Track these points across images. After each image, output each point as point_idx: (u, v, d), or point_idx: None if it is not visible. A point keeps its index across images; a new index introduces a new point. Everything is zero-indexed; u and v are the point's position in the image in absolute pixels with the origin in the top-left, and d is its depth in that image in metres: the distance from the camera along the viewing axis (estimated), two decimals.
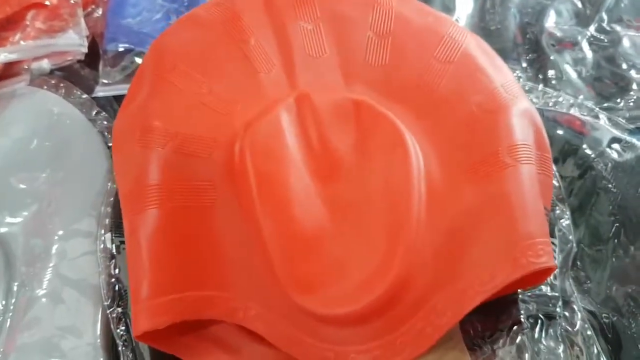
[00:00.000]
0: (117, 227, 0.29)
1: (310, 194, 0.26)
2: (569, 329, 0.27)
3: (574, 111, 0.35)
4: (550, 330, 0.27)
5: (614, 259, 0.30)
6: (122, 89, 0.36)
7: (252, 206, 0.25)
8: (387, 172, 0.25)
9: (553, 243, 0.29)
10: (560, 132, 0.34)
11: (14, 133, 0.31)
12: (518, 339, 0.26)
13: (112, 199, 0.30)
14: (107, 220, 0.30)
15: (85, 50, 0.35)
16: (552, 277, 0.28)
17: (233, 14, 0.29)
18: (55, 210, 0.30)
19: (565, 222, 0.30)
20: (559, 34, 0.41)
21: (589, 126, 0.34)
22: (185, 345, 0.26)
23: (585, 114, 0.35)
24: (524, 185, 0.25)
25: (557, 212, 0.30)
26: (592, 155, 0.33)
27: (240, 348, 0.26)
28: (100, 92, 0.35)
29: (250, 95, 0.27)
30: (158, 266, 0.24)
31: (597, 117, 0.35)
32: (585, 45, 0.41)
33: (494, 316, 0.27)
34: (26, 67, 0.34)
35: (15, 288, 0.28)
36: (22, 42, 0.33)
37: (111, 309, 0.28)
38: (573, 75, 0.40)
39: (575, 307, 0.28)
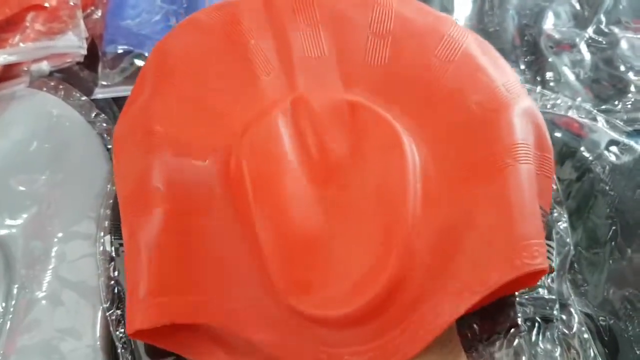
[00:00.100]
0: (116, 230, 0.30)
1: (306, 196, 0.26)
2: (566, 332, 0.27)
3: (572, 113, 0.35)
4: (548, 333, 0.27)
5: (611, 262, 0.30)
6: (121, 91, 0.36)
7: (247, 209, 0.25)
8: (383, 173, 0.26)
9: (550, 246, 0.29)
10: (558, 134, 0.34)
11: (13, 135, 0.31)
12: (515, 342, 0.26)
13: (111, 201, 0.30)
14: (106, 223, 0.30)
15: (84, 52, 0.35)
16: (549, 280, 0.28)
17: (233, 17, 0.29)
18: (54, 212, 0.30)
19: (563, 224, 0.30)
20: (557, 35, 0.41)
21: (587, 128, 0.34)
22: (181, 342, 0.26)
23: (583, 116, 0.35)
24: (521, 185, 0.24)
25: (555, 214, 0.30)
26: (590, 158, 0.33)
27: (237, 346, 0.26)
28: (99, 94, 0.35)
29: (249, 98, 0.27)
30: (155, 268, 0.24)
31: (595, 119, 0.35)
32: (583, 47, 0.41)
33: (491, 319, 0.27)
34: (25, 69, 0.34)
35: (15, 290, 0.28)
36: (21, 44, 0.33)
37: (110, 312, 0.28)
38: (571, 77, 0.40)
39: (572, 310, 0.28)
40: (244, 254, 0.25)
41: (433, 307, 0.24)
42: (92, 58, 0.36)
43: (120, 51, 0.36)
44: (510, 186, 0.24)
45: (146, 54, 0.36)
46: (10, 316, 0.27)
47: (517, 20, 0.42)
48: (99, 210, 0.30)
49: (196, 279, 0.25)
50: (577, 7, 0.43)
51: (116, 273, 0.29)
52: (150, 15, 0.38)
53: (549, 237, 0.29)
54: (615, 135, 0.34)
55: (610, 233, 0.31)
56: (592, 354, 0.27)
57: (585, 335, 0.28)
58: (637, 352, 0.28)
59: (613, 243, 0.31)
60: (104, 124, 0.34)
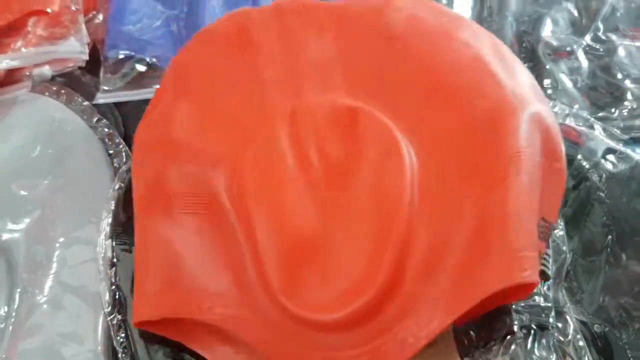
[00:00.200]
0: (117, 235, 0.30)
1: (305, 201, 0.26)
2: (562, 339, 0.28)
3: (569, 121, 0.35)
4: (543, 341, 0.27)
5: (607, 270, 0.31)
6: (122, 96, 0.36)
7: (248, 212, 0.26)
8: (381, 179, 0.26)
9: (547, 253, 0.29)
10: None
11: (15, 140, 0.32)
12: (511, 349, 0.26)
13: (112, 206, 0.31)
14: (107, 228, 0.30)
15: (86, 57, 0.35)
16: (545, 287, 0.28)
17: (243, 26, 0.30)
18: (56, 217, 0.30)
19: (559, 232, 0.31)
20: (555, 43, 0.41)
21: (584, 137, 0.34)
22: (182, 331, 0.26)
23: (580, 124, 0.35)
24: (520, 197, 0.24)
25: None
26: (587, 166, 0.33)
27: (235, 341, 0.26)
28: (101, 99, 0.35)
29: (256, 105, 0.28)
30: (162, 266, 0.26)
31: (592, 127, 0.35)
32: (580, 55, 0.41)
33: (487, 326, 0.27)
34: (28, 73, 0.34)
35: (17, 295, 0.28)
36: (23, 49, 0.33)
37: (111, 316, 0.28)
38: (568, 84, 0.40)
39: (568, 317, 0.28)
40: (243, 255, 0.26)
41: (424, 314, 0.24)
42: (93, 63, 0.36)
43: (121, 56, 0.36)
44: (509, 197, 0.24)
45: (147, 59, 0.36)
46: (12, 320, 0.28)
47: (516, 27, 0.42)
48: (100, 215, 0.30)
49: (199, 278, 0.26)
50: (575, 14, 0.43)
51: (117, 278, 0.29)
52: (151, 21, 0.39)
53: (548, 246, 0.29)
54: (612, 144, 0.34)
55: (606, 241, 0.31)
56: None
57: (581, 343, 0.28)
58: (632, 359, 0.28)
59: (609, 251, 0.31)
60: (106, 129, 0.34)
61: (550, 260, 0.29)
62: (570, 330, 0.28)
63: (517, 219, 0.24)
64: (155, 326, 0.26)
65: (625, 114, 0.38)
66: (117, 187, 0.31)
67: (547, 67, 0.40)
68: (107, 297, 0.28)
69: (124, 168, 0.32)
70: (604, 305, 0.30)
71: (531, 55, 0.41)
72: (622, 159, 0.33)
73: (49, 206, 0.30)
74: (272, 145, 0.27)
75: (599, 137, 0.34)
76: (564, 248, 0.30)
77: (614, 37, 0.41)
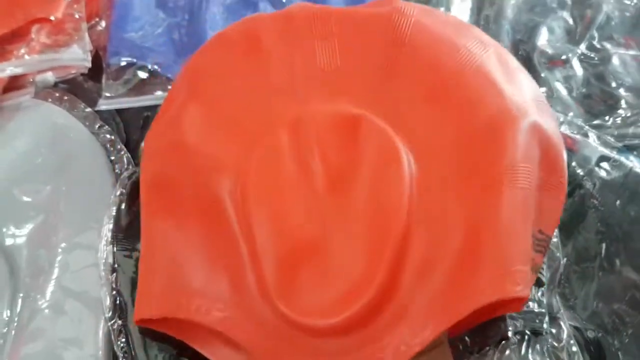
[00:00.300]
0: (118, 241, 0.30)
1: (305, 207, 0.27)
2: (555, 344, 0.28)
3: (564, 129, 0.36)
4: (537, 346, 0.27)
5: (600, 276, 0.31)
6: (124, 103, 0.36)
7: (248, 219, 0.26)
8: (380, 187, 0.26)
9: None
10: None
11: (18, 146, 0.32)
12: (506, 355, 0.27)
13: (114, 212, 0.31)
14: (108, 234, 0.30)
15: (88, 64, 0.35)
16: (539, 293, 0.29)
17: (254, 32, 0.30)
18: (58, 222, 0.31)
19: (554, 239, 0.31)
20: (550, 51, 0.41)
21: (578, 144, 0.35)
22: (182, 329, 0.27)
23: (575, 131, 0.35)
24: (515, 210, 0.24)
25: None
26: (581, 174, 0.33)
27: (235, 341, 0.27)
28: (103, 105, 0.36)
29: (262, 112, 0.29)
30: (165, 268, 0.27)
31: (586, 135, 0.35)
32: (575, 63, 0.41)
33: (482, 332, 0.27)
34: (31, 80, 0.35)
35: (19, 299, 0.29)
36: (26, 57, 0.34)
37: (112, 321, 0.28)
38: (563, 92, 0.40)
39: (561, 323, 0.29)
40: (243, 259, 0.26)
41: (417, 322, 0.24)
42: (96, 69, 0.37)
43: (123, 63, 0.37)
44: (504, 210, 0.24)
45: (149, 66, 0.37)
46: (15, 324, 0.28)
47: (512, 35, 0.43)
48: (101, 221, 0.31)
49: (198, 280, 0.26)
50: (571, 22, 0.43)
51: (118, 284, 0.29)
52: (153, 28, 0.39)
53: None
54: (606, 151, 0.34)
55: (600, 248, 0.32)
56: None
57: (574, 348, 0.28)
58: None
59: (603, 257, 0.31)
60: (108, 136, 0.34)
61: (545, 267, 0.30)
62: (564, 336, 0.28)
63: (511, 232, 0.24)
64: (158, 324, 0.26)
65: (619, 121, 0.38)
66: (118, 193, 0.31)
67: (543, 75, 0.40)
68: (107, 302, 0.29)
69: (125, 174, 0.32)
70: (598, 311, 0.30)
71: (527, 63, 0.41)
72: (615, 166, 0.33)
73: (51, 212, 0.31)
74: (275, 151, 0.27)
75: (592, 144, 0.35)
76: (558, 254, 0.31)
77: (608, 45, 0.42)
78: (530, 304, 0.28)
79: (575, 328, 0.30)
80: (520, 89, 0.28)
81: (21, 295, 0.29)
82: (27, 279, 0.29)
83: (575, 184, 0.33)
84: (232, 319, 0.26)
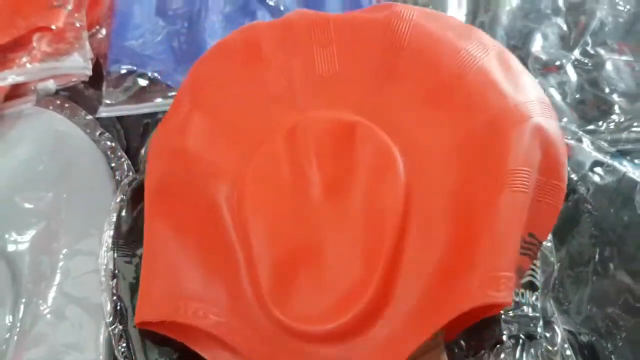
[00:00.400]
0: (119, 247, 0.31)
1: (300, 214, 0.27)
2: (550, 348, 0.28)
3: None
4: (532, 350, 0.28)
5: (594, 280, 0.31)
6: (125, 110, 0.37)
7: (244, 225, 0.26)
8: (376, 193, 0.26)
9: (535, 264, 0.30)
10: None
11: (20, 153, 0.33)
12: (501, 358, 0.27)
13: (114, 219, 0.31)
14: (109, 240, 0.31)
15: (89, 73, 0.36)
16: (533, 297, 0.29)
17: (253, 40, 0.30)
18: (60, 229, 0.31)
19: (548, 244, 0.31)
20: (544, 57, 0.42)
21: (572, 149, 0.35)
22: (181, 332, 0.27)
23: (569, 137, 0.35)
24: (511, 214, 0.24)
25: None
26: (575, 179, 0.34)
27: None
28: (103, 112, 0.36)
29: (262, 119, 0.29)
30: (165, 273, 0.27)
31: (580, 140, 0.36)
32: (569, 69, 0.41)
33: (477, 336, 0.28)
34: (32, 87, 0.35)
35: (22, 305, 0.29)
36: (28, 65, 0.34)
37: (113, 327, 0.29)
38: (557, 98, 0.40)
39: (555, 327, 0.29)
40: (239, 265, 0.27)
41: (409, 327, 0.24)
42: (96, 77, 0.37)
43: (123, 71, 0.37)
44: (502, 215, 0.24)
45: (149, 74, 0.37)
46: (17, 330, 0.28)
47: (506, 41, 0.43)
48: (102, 227, 0.31)
49: (196, 285, 0.27)
50: (565, 28, 0.43)
51: (118, 289, 0.29)
52: (152, 36, 0.40)
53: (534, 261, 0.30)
54: (599, 156, 0.34)
55: (594, 252, 0.32)
56: None
57: (568, 352, 0.29)
58: None
59: (596, 262, 0.32)
60: (108, 143, 0.35)
61: (539, 271, 0.30)
62: (558, 340, 0.28)
63: (504, 237, 0.24)
64: (158, 327, 0.27)
65: (612, 127, 0.38)
66: (118, 199, 0.32)
67: (537, 81, 0.41)
68: (108, 307, 0.29)
69: (125, 181, 0.33)
70: (591, 315, 0.30)
71: None
72: (609, 171, 0.34)
73: (52, 218, 0.31)
74: (272, 158, 0.28)
75: (586, 150, 0.35)
76: (552, 259, 0.31)
77: (602, 51, 0.42)
78: (525, 308, 0.28)
79: (569, 332, 0.30)
80: (523, 90, 0.27)
81: (23, 300, 0.29)
82: (29, 284, 0.29)
83: (569, 188, 0.33)
84: (228, 323, 0.26)
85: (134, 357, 0.28)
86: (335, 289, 0.25)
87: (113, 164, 0.34)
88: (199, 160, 0.28)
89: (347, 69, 0.29)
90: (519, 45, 0.43)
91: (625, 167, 0.34)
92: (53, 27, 0.35)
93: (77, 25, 0.36)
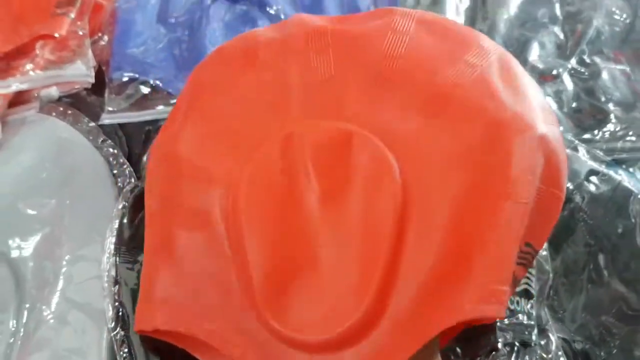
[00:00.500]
0: (121, 253, 0.31)
1: (296, 223, 0.27)
2: (544, 356, 0.29)
3: None
4: (526, 357, 0.28)
5: (589, 288, 0.32)
6: (127, 117, 0.37)
7: (239, 233, 0.26)
8: (372, 202, 0.26)
9: (530, 272, 0.31)
10: None
11: (23, 160, 0.33)
12: None
13: (116, 225, 0.32)
14: (111, 246, 0.31)
15: (92, 80, 0.36)
16: (528, 306, 0.30)
17: (252, 47, 0.30)
18: (62, 235, 0.31)
19: (543, 252, 0.32)
20: (541, 66, 0.42)
21: (568, 158, 0.36)
22: (180, 338, 0.27)
23: (565, 146, 0.36)
24: (512, 225, 0.24)
25: None
26: (571, 187, 0.34)
27: None
28: (106, 119, 0.37)
29: (257, 126, 0.29)
30: (164, 282, 0.27)
31: (576, 149, 0.36)
32: (566, 78, 0.41)
33: (473, 343, 0.28)
34: (36, 94, 0.36)
35: (25, 310, 0.29)
36: (31, 73, 0.35)
37: (115, 332, 0.29)
38: (554, 107, 0.40)
39: (550, 334, 0.29)
40: (233, 273, 0.27)
41: (403, 336, 0.24)
42: (99, 84, 0.37)
43: (126, 78, 0.38)
44: (502, 225, 0.24)
45: (150, 81, 0.38)
46: (21, 335, 0.29)
47: None
48: (104, 233, 0.31)
49: (191, 293, 0.27)
50: (561, 37, 0.44)
51: (120, 295, 0.30)
52: (154, 43, 0.40)
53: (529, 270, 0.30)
54: (595, 165, 0.35)
55: (589, 260, 0.32)
56: None
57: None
58: None
59: (591, 270, 0.32)
60: (111, 149, 0.35)
61: (534, 279, 0.31)
62: (553, 347, 0.29)
63: (502, 248, 0.24)
64: (159, 333, 0.27)
65: (608, 136, 0.39)
66: (121, 206, 0.32)
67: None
68: (110, 313, 0.29)
69: (127, 187, 0.33)
70: (586, 323, 0.31)
71: None
72: (604, 180, 0.34)
73: (56, 225, 0.31)
74: (267, 166, 0.27)
75: (582, 159, 0.35)
76: (547, 267, 0.31)
77: (598, 60, 0.42)
78: (520, 316, 0.29)
79: (564, 339, 0.30)
80: (525, 97, 0.27)
81: (27, 306, 0.29)
82: (32, 290, 0.30)
83: (565, 197, 0.34)
84: (223, 332, 0.26)
85: None
86: (332, 298, 0.25)
87: (115, 171, 0.34)
88: (192, 167, 0.28)
89: (344, 76, 0.29)
90: (516, 54, 0.43)
91: (621, 176, 0.34)
92: (56, 35, 0.35)
93: (80, 33, 0.37)
